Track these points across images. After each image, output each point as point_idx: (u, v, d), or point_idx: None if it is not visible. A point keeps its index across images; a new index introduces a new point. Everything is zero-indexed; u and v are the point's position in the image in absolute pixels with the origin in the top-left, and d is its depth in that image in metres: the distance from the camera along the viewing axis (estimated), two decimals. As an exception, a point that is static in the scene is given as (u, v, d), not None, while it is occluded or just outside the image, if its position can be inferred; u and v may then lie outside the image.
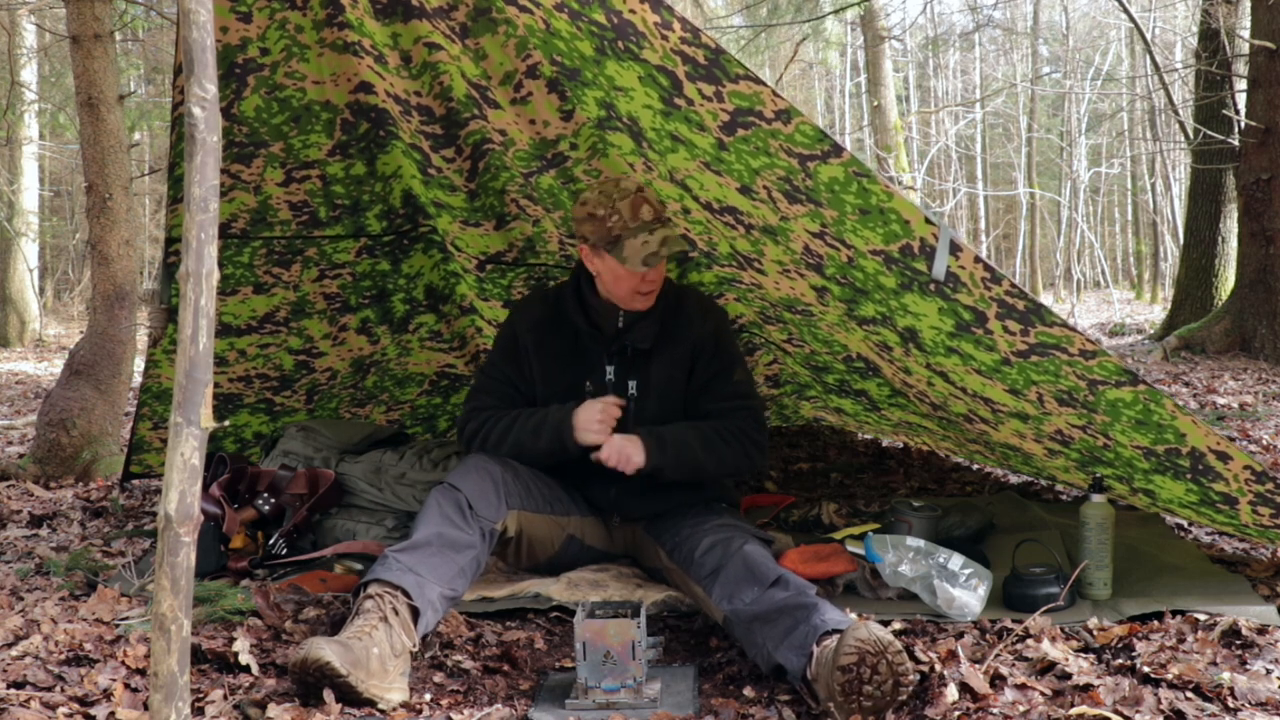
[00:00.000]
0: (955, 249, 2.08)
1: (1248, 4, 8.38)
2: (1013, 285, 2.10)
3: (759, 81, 1.97)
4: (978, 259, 2.08)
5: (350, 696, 1.92)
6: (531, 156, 2.98)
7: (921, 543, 2.46)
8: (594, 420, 2.47)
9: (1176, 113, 10.33)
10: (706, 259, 3.31)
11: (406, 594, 2.11)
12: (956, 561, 2.41)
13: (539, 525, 2.55)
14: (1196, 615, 2.26)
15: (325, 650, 1.91)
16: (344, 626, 2.07)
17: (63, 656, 2.10)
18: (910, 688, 1.87)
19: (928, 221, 2.07)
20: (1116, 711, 1.82)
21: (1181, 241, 10.12)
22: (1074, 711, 1.83)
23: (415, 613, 2.11)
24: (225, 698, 1.94)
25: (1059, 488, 3.67)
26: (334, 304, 3.59)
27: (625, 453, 2.47)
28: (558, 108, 2.75)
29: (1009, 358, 2.35)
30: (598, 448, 2.49)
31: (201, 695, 1.95)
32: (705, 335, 2.61)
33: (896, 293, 2.39)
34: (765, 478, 3.92)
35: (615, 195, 2.47)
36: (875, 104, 13.87)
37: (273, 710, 1.88)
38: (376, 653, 1.98)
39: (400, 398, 4.16)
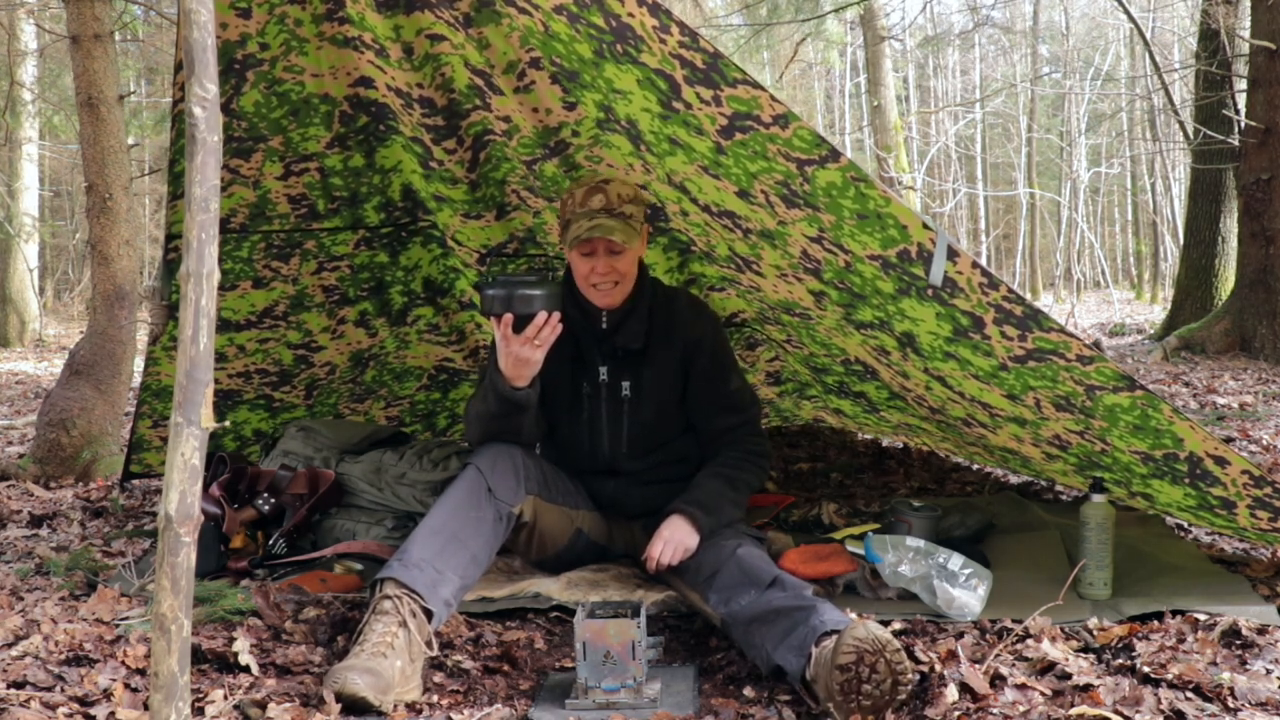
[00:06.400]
0: (953, 254, 2.08)
1: (1248, 4, 8.38)
2: (1010, 291, 2.10)
3: (757, 86, 1.97)
4: (975, 264, 2.08)
5: (377, 714, 1.94)
6: (535, 144, 2.98)
7: (921, 543, 2.47)
8: (509, 364, 2.37)
9: (1176, 113, 10.34)
10: (707, 257, 3.31)
11: (421, 596, 2.12)
12: (956, 561, 2.41)
13: (552, 516, 2.55)
14: (1196, 615, 2.26)
15: (358, 684, 1.91)
16: (362, 629, 2.07)
17: (63, 656, 2.10)
18: (909, 687, 1.87)
19: (925, 227, 2.07)
20: (1116, 711, 1.83)
21: (1181, 241, 10.12)
22: (1074, 711, 1.84)
23: (429, 614, 2.13)
24: (225, 698, 1.95)
25: (1059, 488, 3.67)
26: (332, 297, 3.60)
27: (680, 544, 2.41)
28: (560, 98, 2.74)
29: (1006, 363, 2.35)
30: (532, 385, 2.42)
31: (201, 695, 1.95)
32: (698, 339, 2.60)
33: (894, 298, 2.39)
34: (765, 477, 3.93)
35: (582, 183, 2.51)
36: (875, 104, 13.86)
37: (273, 710, 1.88)
38: (399, 665, 2.00)
39: (399, 393, 4.16)
